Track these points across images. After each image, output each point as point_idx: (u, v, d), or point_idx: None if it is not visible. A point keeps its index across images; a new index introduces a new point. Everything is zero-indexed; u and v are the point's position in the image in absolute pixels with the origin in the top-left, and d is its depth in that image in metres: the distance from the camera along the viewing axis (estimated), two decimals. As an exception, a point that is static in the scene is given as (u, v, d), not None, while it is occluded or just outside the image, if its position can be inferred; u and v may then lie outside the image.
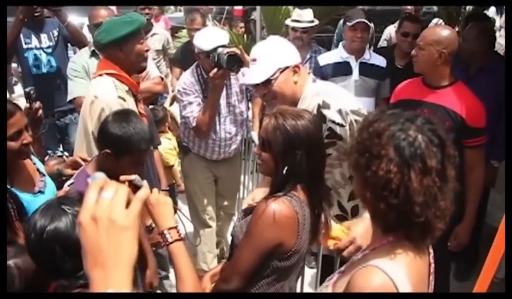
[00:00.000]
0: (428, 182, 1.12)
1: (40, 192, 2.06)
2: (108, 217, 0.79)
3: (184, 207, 3.64)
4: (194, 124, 3.09)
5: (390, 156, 1.12)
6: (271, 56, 2.15)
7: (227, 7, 7.45)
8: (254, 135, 3.73)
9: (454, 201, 1.18)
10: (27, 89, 2.32)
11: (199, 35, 3.04)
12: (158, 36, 5.03)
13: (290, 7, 4.91)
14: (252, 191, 3.98)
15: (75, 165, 2.29)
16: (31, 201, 1.93)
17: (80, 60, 3.42)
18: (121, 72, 2.50)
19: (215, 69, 2.87)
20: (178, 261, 1.48)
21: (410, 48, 3.18)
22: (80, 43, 3.92)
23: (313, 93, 2.11)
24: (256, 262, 1.71)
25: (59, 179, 2.25)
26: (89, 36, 3.96)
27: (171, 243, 1.49)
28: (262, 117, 1.87)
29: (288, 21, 3.98)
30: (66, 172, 2.28)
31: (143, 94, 2.99)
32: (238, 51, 2.88)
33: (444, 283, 2.93)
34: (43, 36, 3.98)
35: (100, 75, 2.50)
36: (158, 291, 2.69)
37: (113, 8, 4.64)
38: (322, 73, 3.50)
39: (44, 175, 2.15)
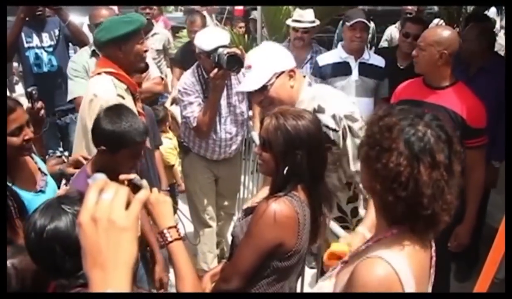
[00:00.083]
0: (436, 176, 1.16)
1: (41, 191, 2.06)
2: (108, 218, 0.79)
3: (184, 207, 3.64)
4: (194, 124, 3.09)
5: (400, 149, 1.16)
6: (266, 62, 2.14)
7: (227, 7, 7.46)
8: (255, 135, 3.73)
9: (458, 195, 1.21)
10: (29, 89, 2.32)
11: (200, 35, 3.04)
12: (159, 36, 5.03)
13: (291, 7, 4.91)
14: (252, 191, 4.00)
15: (77, 164, 2.29)
16: (32, 200, 1.93)
17: (81, 60, 3.43)
18: (120, 71, 2.50)
19: (216, 70, 2.87)
20: (177, 260, 1.48)
21: (410, 48, 3.18)
22: (81, 42, 3.93)
23: (310, 98, 2.11)
24: (256, 262, 1.71)
25: (61, 179, 2.25)
26: (89, 36, 3.96)
27: (170, 242, 1.49)
28: (262, 118, 1.86)
29: (289, 21, 3.98)
30: (68, 171, 2.28)
31: (142, 94, 2.99)
32: (238, 52, 2.88)
33: (445, 284, 2.92)
34: (45, 35, 3.98)
35: (99, 74, 2.51)
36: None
37: (114, 8, 4.66)
38: (321, 73, 3.51)
39: (45, 174, 2.15)
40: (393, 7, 7.37)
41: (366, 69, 3.49)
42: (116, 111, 2.04)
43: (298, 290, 2.32)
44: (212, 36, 2.97)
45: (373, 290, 1.15)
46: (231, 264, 1.83)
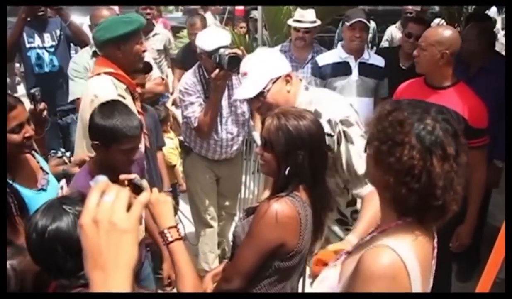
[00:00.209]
0: (447, 168, 1.20)
1: (42, 189, 2.06)
2: (109, 220, 0.79)
3: (185, 207, 3.64)
4: (195, 124, 3.09)
5: (413, 143, 1.19)
6: (262, 68, 2.13)
7: (228, 7, 7.46)
8: (256, 135, 3.73)
9: (464, 186, 1.26)
10: (31, 91, 2.33)
11: (201, 36, 3.04)
12: (160, 36, 5.04)
13: (292, 7, 4.91)
14: (253, 191, 4.00)
15: (83, 164, 2.30)
16: (32, 198, 1.93)
17: (82, 60, 3.43)
18: (119, 71, 2.51)
19: (217, 70, 2.87)
20: (178, 259, 1.48)
21: (412, 49, 3.17)
22: (82, 42, 3.94)
23: (307, 102, 2.10)
24: (258, 262, 1.71)
25: (64, 179, 2.25)
26: (90, 36, 3.96)
27: (171, 242, 1.49)
28: (263, 118, 1.86)
29: (290, 21, 3.97)
30: (72, 170, 2.29)
31: (145, 94, 3.00)
32: (239, 52, 2.88)
33: (446, 284, 2.92)
34: (46, 35, 3.99)
35: (98, 74, 2.51)
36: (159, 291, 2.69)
37: (115, 8, 4.66)
38: (321, 73, 3.50)
39: (47, 173, 2.15)
40: (394, 7, 7.36)
41: (366, 69, 3.48)
42: (109, 107, 2.07)
43: (300, 291, 2.32)
44: (213, 36, 2.97)
45: (379, 278, 1.17)
46: (232, 264, 1.83)
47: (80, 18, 4.90)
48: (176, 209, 1.68)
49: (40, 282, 1.35)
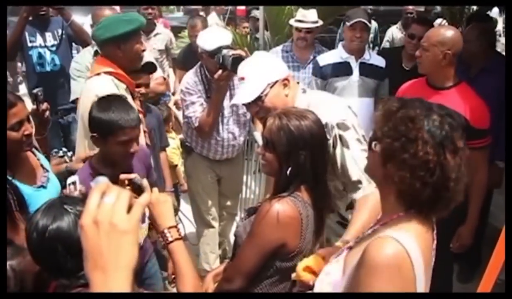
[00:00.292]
0: (458, 160, 1.25)
1: (42, 186, 2.06)
2: (109, 221, 0.79)
3: (187, 207, 3.64)
4: (196, 124, 3.09)
5: (425, 138, 1.22)
6: (259, 72, 2.12)
7: (229, 7, 7.47)
8: (257, 135, 3.73)
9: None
10: (34, 91, 2.33)
11: (202, 35, 3.04)
12: (161, 35, 5.05)
13: (293, 7, 4.90)
14: (254, 191, 4.00)
15: (87, 160, 2.30)
16: (32, 195, 1.93)
17: (84, 60, 3.44)
18: (118, 70, 2.51)
19: (220, 71, 2.87)
20: (178, 259, 1.48)
21: (415, 50, 3.16)
22: (83, 42, 3.94)
23: (304, 105, 2.09)
24: (259, 262, 1.71)
25: (67, 177, 2.25)
26: (92, 36, 3.97)
27: (171, 242, 1.49)
28: (264, 119, 1.86)
29: (292, 21, 3.97)
30: (76, 166, 2.29)
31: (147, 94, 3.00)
32: (243, 53, 2.87)
33: (447, 285, 2.92)
34: (48, 34, 3.99)
35: (98, 74, 2.51)
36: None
37: (117, 8, 4.66)
38: (322, 73, 3.50)
39: (47, 171, 2.15)
40: (395, 8, 7.36)
41: (366, 69, 3.48)
42: (106, 100, 2.12)
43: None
44: (214, 36, 2.97)
45: (384, 268, 1.18)
46: (233, 264, 1.83)
47: (81, 18, 4.91)
48: (176, 209, 1.68)
49: (40, 282, 1.35)
